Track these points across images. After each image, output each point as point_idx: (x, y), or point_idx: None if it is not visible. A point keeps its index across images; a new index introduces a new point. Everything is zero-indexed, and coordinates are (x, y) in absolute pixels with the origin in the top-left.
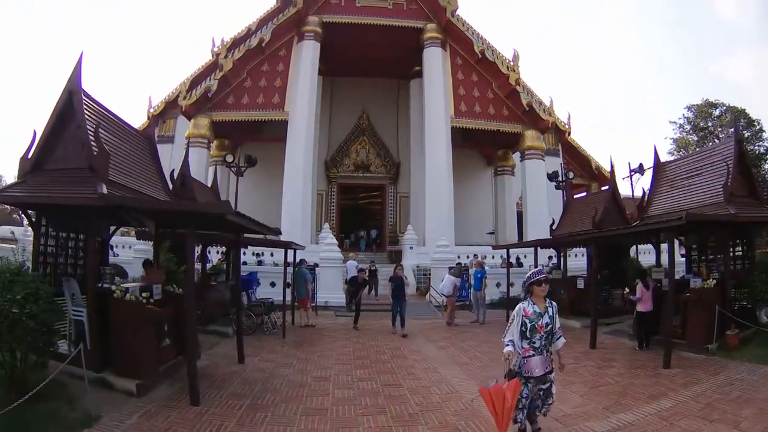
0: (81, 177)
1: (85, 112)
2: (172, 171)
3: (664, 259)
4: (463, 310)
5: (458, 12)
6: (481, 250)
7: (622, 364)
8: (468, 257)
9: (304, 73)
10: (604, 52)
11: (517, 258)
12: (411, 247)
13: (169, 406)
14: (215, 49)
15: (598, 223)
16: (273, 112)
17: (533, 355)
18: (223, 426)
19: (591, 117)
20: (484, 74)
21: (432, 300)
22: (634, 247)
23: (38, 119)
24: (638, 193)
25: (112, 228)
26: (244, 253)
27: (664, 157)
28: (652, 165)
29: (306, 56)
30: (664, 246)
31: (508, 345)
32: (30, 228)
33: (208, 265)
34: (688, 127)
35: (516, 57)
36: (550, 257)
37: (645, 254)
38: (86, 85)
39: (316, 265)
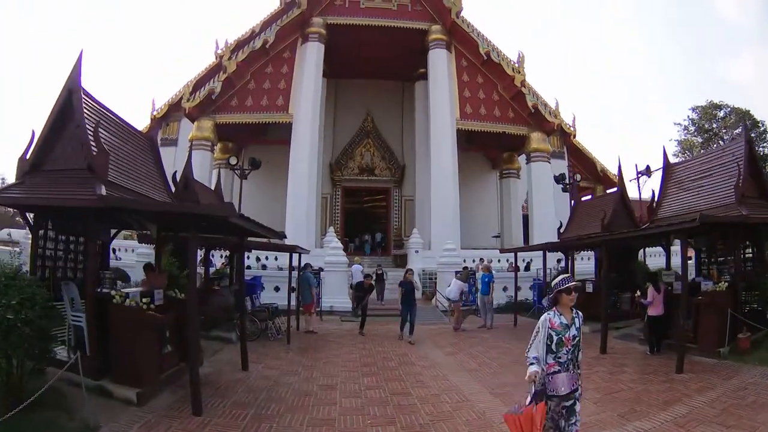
0: (80, 178)
1: (85, 111)
2: (174, 173)
3: (673, 261)
4: (471, 315)
5: (462, 13)
6: (487, 254)
7: (634, 369)
8: (474, 261)
9: (308, 75)
10: (605, 52)
11: (526, 262)
12: (417, 251)
13: (170, 416)
14: (219, 51)
15: (607, 225)
16: (277, 114)
17: (558, 372)
18: None
19: (592, 117)
20: (490, 76)
21: (438, 305)
22: (641, 250)
23: (39, 119)
24: (645, 196)
25: (114, 231)
26: (248, 257)
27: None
28: (661, 166)
29: (310, 58)
30: (673, 249)
31: (532, 363)
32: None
33: (212, 270)
34: (692, 128)
35: (521, 59)
36: (558, 260)
37: (652, 257)
38: (86, 85)
39: (321, 269)
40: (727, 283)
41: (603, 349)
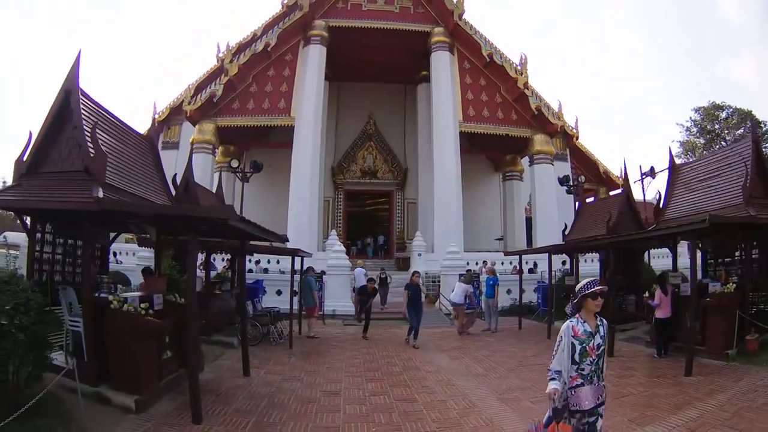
0: (77, 180)
1: (83, 112)
2: (174, 175)
3: (679, 263)
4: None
5: (464, 15)
6: (491, 257)
7: (642, 372)
8: (477, 264)
9: (310, 78)
10: (605, 52)
11: (529, 266)
12: (420, 254)
13: (169, 423)
14: (220, 55)
15: (613, 227)
16: (279, 117)
17: (582, 384)
18: None
19: (592, 117)
20: (492, 78)
21: (442, 308)
22: (646, 251)
23: (39, 120)
24: (650, 197)
25: (114, 234)
26: (258, 261)
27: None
28: (665, 167)
29: (312, 61)
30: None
31: (554, 378)
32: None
33: (213, 273)
34: (694, 129)
35: (524, 60)
36: (563, 262)
37: (656, 258)
38: (86, 85)
39: (323, 272)
40: (735, 285)
41: (610, 352)
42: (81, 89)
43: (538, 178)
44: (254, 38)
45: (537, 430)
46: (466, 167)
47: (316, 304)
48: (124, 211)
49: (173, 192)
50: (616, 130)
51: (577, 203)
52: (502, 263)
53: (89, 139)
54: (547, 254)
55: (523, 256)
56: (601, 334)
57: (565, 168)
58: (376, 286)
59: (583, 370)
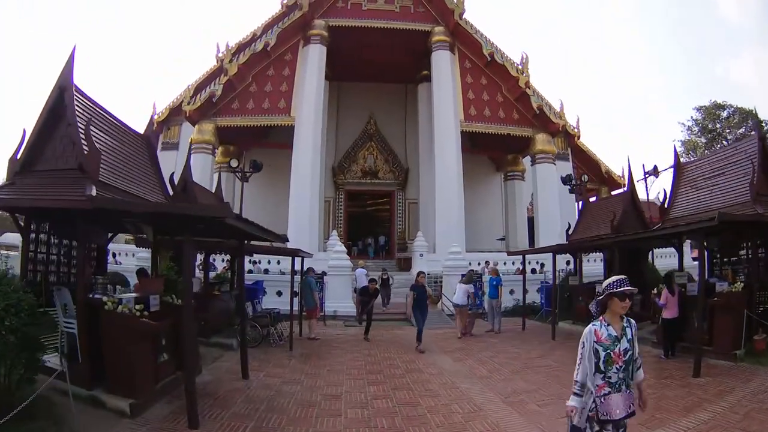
0: (71, 178)
1: (77, 108)
2: (172, 174)
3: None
4: (477, 318)
5: (465, 15)
6: (494, 257)
7: (650, 374)
8: (479, 264)
9: (310, 78)
10: (606, 52)
11: (532, 266)
12: (421, 254)
13: (164, 428)
14: (220, 55)
15: (617, 226)
16: (279, 117)
17: (610, 393)
18: None
19: (592, 116)
20: (493, 77)
21: (444, 308)
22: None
23: (34, 119)
24: (653, 196)
25: (111, 234)
26: (258, 262)
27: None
28: (670, 166)
29: (312, 60)
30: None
31: (576, 393)
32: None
33: (212, 274)
34: (696, 128)
35: (525, 60)
36: (567, 262)
37: (660, 258)
38: (85, 85)
39: (324, 273)
40: (742, 284)
41: None
42: (75, 85)
43: (540, 177)
44: (254, 38)
45: None
46: (468, 167)
47: (316, 305)
48: (118, 209)
49: (171, 191)
50: (616, 130)
51: (579, 203)
52: (505, 263)
53: (83, 136)
54: (551, 254)
55: (527, 257)
56: (629, 337)
57: (566, 167)
58: (378, 286)
59: (610, 378)
